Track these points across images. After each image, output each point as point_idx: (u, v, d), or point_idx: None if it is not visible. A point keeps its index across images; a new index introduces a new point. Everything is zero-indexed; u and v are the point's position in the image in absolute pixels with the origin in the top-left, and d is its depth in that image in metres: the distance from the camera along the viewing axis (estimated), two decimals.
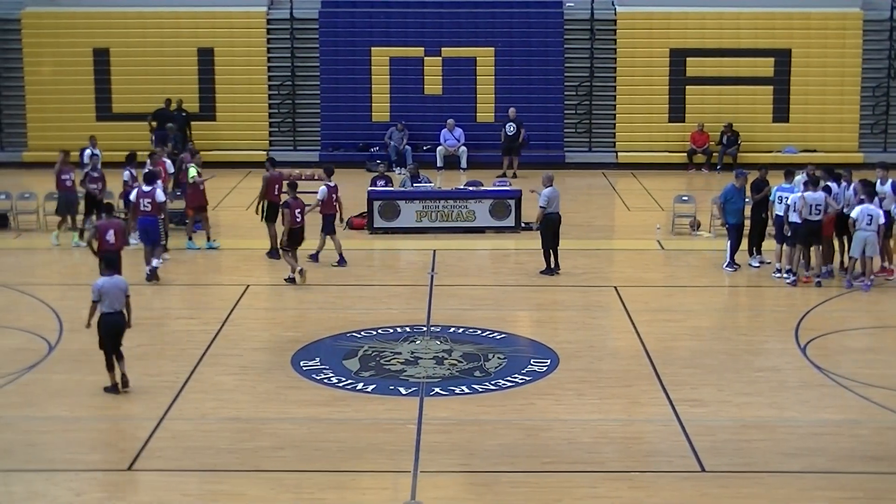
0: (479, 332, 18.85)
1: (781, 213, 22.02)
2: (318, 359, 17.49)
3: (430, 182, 27.14)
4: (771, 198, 22.75)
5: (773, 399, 16.01)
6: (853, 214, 21.29)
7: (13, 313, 19.99)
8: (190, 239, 24.35)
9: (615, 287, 21.61)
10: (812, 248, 21.90)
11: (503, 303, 20.89)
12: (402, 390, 16.24)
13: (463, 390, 16.25)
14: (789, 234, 21.82)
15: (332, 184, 23.15)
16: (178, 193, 26.04)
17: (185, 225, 25.03)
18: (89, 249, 20.00)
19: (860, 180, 22.07)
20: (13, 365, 17.09)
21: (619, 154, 34.85)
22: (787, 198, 21.93)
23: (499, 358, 17.57)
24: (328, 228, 22.92)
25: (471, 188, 26.76)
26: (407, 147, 33.91)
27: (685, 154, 34.51)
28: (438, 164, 33.30)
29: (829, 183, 22.28)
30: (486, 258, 24.60)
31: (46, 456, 14.04)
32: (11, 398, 15.93)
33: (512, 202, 26.02)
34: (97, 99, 34.60)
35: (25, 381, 16.56)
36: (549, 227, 22.17)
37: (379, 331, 18.87)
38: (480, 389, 16.30)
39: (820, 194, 21.66)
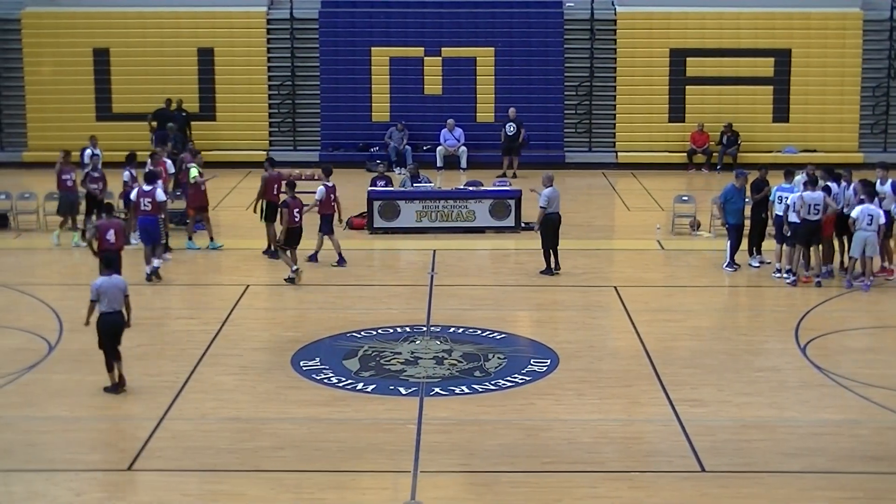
0: (479, 332, 18.85)
1: (781, 213, 22.02)
2: (318, 359, 17.49)
3: (430, 182, 27.14)
4: (771, 198, 22.75)
5: (773, 399, 16.01)
6: (853, 214, 21.30)
7: (13, 313, 19.99)
8: (190, 239, 24.36)
9: (615, 287, 21.61)
10: (812, 248, 21.91)
11: (503, 303, 20.89)
12: (402, 390, 16.24)
13: (463, 390, 16.25)
14: (789, 234, 21.82)
15: (330, 184, 23.16)
16: (178, 193, 26.07)
17: (185, 225, 25.03)
18: (89, 249, 20.01)
19: (860, 180, 22.07)
20: (13, 365, 17.09)
21: (619, 154, 34.85)
22: (786, 198, 21.94)
23: (499, 358, 17.57)
24: (326, 228, 22.93)
25: (471, 188, 26.76)
26: (407, 147, 33.91)
27: (685, 154, 34.51)
28: (438, 164, 33.30)
29: (828, 183, 22.28)
30: (486, 258, 24.60)
31: (46, 456, 14.04)
32: (11, 398, 15.93)
33: (512, 202, 26.02)
34: (97, 99, 34.61)
35: (25, 381, 16.56)
36: (550, 228, 22.17)
37: (379, 331, 18.87)
38: (480, 389, 16.30)
39: (819, 194, 21.66)
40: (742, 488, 13.26)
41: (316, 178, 25.38)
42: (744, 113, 34.57)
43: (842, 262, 22.49)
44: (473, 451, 14.23)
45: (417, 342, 18.28)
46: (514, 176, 31.82)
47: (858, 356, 18.12)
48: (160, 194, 22.17)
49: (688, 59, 34.65)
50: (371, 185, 26.96)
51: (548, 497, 13.02)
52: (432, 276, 22.35)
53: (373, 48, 34.72)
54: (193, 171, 24.42)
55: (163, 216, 22.72)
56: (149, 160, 24.99)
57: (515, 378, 16.71)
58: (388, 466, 13.79)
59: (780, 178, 22.77)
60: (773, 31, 34.65)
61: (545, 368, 17.13)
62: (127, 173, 24.27)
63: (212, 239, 24.29)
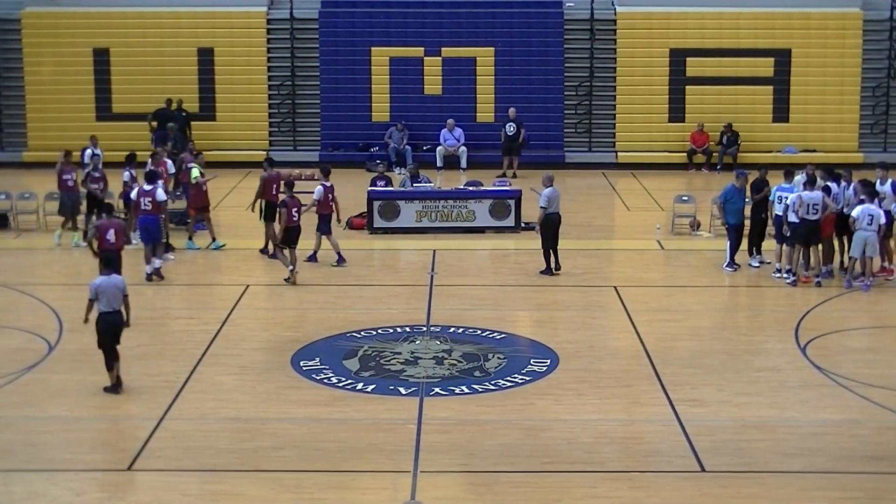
0: (479, 332, 18.85)
1: (781, 213, 22.02)
2: (317, 359, 17.49)
3: (430, 182, 27.15)
4: (771, 198, 22.76)
5: (773, 399, 16.01)
6: (854, 214, 21.29)
7: (13, 313, 19.99)
8: (190, 239, 24.36)
9: (615, 287, 21.61)
10: (811, 248, 21.91)
11: (503, 303, 20.89)
12: (402, 390, 16.24)
13: (463, 390, 16.25)
14: (789, 234, 21.83)
15: (328, 184, 23.18)
16: (178, 193, 26.07)
17: (185, 225, 25.05)
18: (90, 249, 20.00)
19: (860, 180, 22.08)
20: (13, 365, 17.09)
21: (619, 154, 34.85)
22: (786, 198, 21.94)
23: (499, 358, 17.57)
24: (324, 228, 22.94)
25: (471, 188, 26.76)
26: (407, 147, 33.92)
27: (685, 154, 34.51)
28: (438, 164, 33.30)
29: (828, 183, 22.29)
30: (486, 258, 24.60)
31: (46, 456, 14.04)
32: (11, 398, 15.93)
33: (512, 202, 26.02)
34: (97, 99, 34.61)
35: (25, 381, 16.56)
36: (550, 228, 22.16)
37: (379, 331, 18.87)
38: (480, 389, 16.29)
39: (817, 194, 21.67)
40: (742, 488, 13.27)
41: (315, 178, 25.39)
42: (744, 113, 34.57)
43: (842, 262, 22.49)
44: (473, 451, 14.23)
45: (417, 342, 18.28)
46: (514, 176, 31.82)
47: (858, 356, 18.12)
48: (160, 194, 22.17)
49: (688, 59, 34.65)
50: (371, 185, 26.97)
51: (548, 497, 13.02)
52: (432, 276, 22.35)
53: (373, 48, 34.73)
54: (195, 172, 24.43)
55: (163, 216, 22.72)
56: (149, 160, 25.01)
57: (515, 378, 16.71)
58: (388, 466, 13.79)
59: (780, 178, 22.78)
60: (772, 31, 34.65)
61: (545, 368, 17.13)
62: (127, 173, 24.26)
63: (214, 239, 24.29)
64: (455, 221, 25.93)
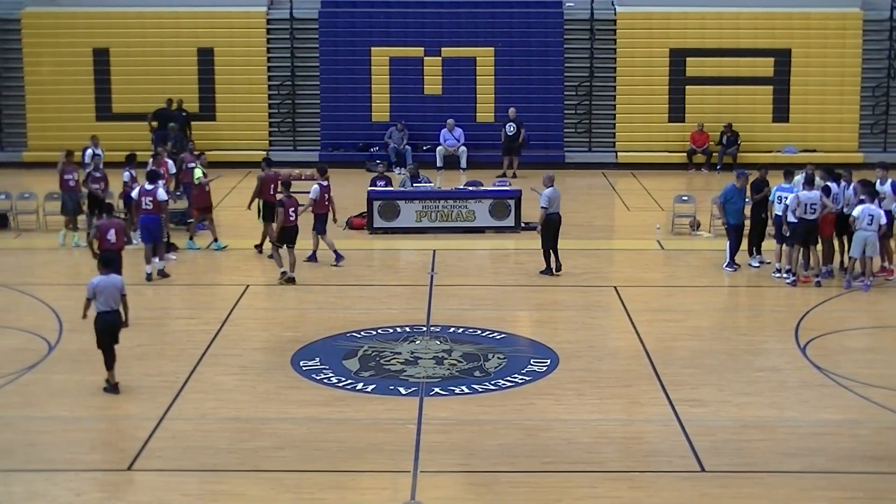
0: (479, 332, 18.85)
1: (781, 213, 22.02)
2: (317, 359, 17.49)
3: (430, 182, 27.15)
4: (770, 198, 22.76)
5: (773, 399, 16.01)
6: (854, 213, 21.29)
7: (13, 313, 19.99)
8: (191, 239, 24.37)
9: (615, 287, 21.61)
10: (810, 248, 21.90)
11: (503, 303, 20.89)
12: (402, 390, 16.24)
13: (463, 390, 16.25)
14: (788, 234, 21.83)
15: (324, 183, 23.21)
16: (178, 193, 26.07)
17: (185, 225, 25.06)
18: (90, 250, 20.00)
19: (860, 181, 22.08)
20: (13, 365, 17.09)
21: (619, 154, 34.86)
22: (786, 198, 21.94)
23: (499, 358, 17.56)
24: (320, 228, 22.96)
25: (471, 188, 26.76)
26: (407, 147, 33.92)
27: (685, 154, 34.52)
28: (438, 164, 33.30)
29: (828, 183, 22.29)
30: (486, 258, 24.60)
31: (46, 456, 14.04)
32: (11, 398, 15.93)
33: (512, 202, 26.02)
34: (97, 99, 34.63)
35: (25, 381, 16.57)
36: (550, 228, 22.16)
37: (379, 331, 18.87)
38: (480, 389, 16.29)
39: (815, 193, 21.67)
40: (742, 488, 13.27)
41: (315, 178, 25.40)
42: (744, 113, 34.57)
43: (842, 262, 22.49)
44: (473, 451, 14.23)
45: (417, 342, 18.28)
46: (514, 176, 31.83)
47: (858, 356, 18.12)
48: (162, 193, 22.17)
49: (688, 59, 34.65)
50: (371, 185, 26.97)
51: (548, 497, 13.02)
52: (432, 276, 22.35)
53: (373, 48, 34.73)
54: (197, 172, 24.44)
55: (163, 216, 22.72)
56: (150, 160, 25.02)
57: (515, 378, 16.71)
58: (388, 466, 13.79)
59: (780, 178, 22.78)
60: (772, 31, 34.66)
61: (545, 368, 17.13)
62: (127, 174, 24.27)
63: (216, 239, 24.28)
64: (455, 221, 25.93)
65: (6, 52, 35.09)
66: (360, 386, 16.37)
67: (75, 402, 15.72)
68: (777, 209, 22.34)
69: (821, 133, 34.57)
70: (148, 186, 22.11)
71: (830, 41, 34.62)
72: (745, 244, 22.99)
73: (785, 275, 21.95)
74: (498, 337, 18.60)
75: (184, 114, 33.45)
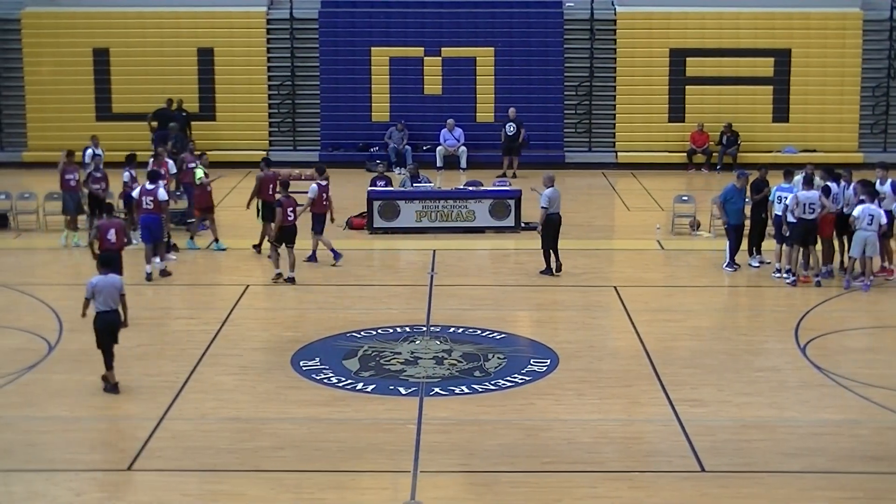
0: (479, 332, 18.85)
1: (780, 213, 22.03)
2: (317, 359, 17.49)
3: (430, 182, 27.15)
4: (770, 198, 22.76)
5: (773, 399, 16.01)
6: (855, 213, 21.29)
7: (13, 313, 19.99)
8: (192, 238, 24.37)
9: (615, 287, 21.61)
10: (810, 247, 21.89)
11: (503, 303, 20.89)
12: (402, 390, 16.24)
13: (463, 390, 16.25)
14: (788, 234, 21.83)
15: (323, 182, 23.22)
16: (178, 193, 26.07)
17: (185, 225, 25.07)
18: (90, 250, 19.99)
19: (860, 181, 22.07)
20: (13, 365, 17.09)
21: (619, 154, 34.86)
22: (786, 198, 21.95)
23: (499, 358, 17.56)
24: (317, 228, 22.96)
25: (471, 188, 26.76)
26: (407, 147, 33.92)
27: (685, 154, 34.52)
28: (438, 164, 33.30)
29: (828, 183, 22.29)
30: (486, 258, 24.60)
31: (46, 456, 14.04)
32: (11, 398, 15.93)
33: (512, 202, 26.02)
34: (97, 99, 34.63)
35: (25, 381, 16.57)
36: (550, 228, 22.16)
37: (379, 331, 18.87)
38: (480, 389, 16.29)
39: (813, 193, 21.67)
40: (742, 488, 13.27)
41: (314, 178, 25.41)
42: (744, 113, 34.58)
43: (842, 262, 22.49)
44: (473, 451, 14.23)
45: (417, 342, 18.28)
46: (514, 176, 31.83)
47: (858, 356, 18.12)
48: (162, 193, 22.17)
49: (688, 59, 34.66)
50: (371, 185, 26.97)
51: (548, 497, 13.03)
52: (432, 276, 22.35)
53: (373, 48, 34.73)
54: (199, 173, 24.45)
55: (164, 216, 22.71)
56: (150, 160, 25.03)
57: (515, 378, 16.71)
58: (388, 466, 13.79)
59: (780, 178, 22.78)
60: (772, 31, 34.66)
61: (545, 368, 17.13)
62: (127, 174, 24.28)
63: (216, 240, 24.29)
64: (455, 221, 25.93)
65: (6, 52, 35.09)
66: (360, 386, 16.37)
67: (75, 402, 15.72)
68: (777, 209, 22.34)
69: (821, 133, 34.57)
70: (149, 186, 22.12)
71: (830, 41, 34.62)
72: (745, 244, 22.98)
73: (785, 275, 21.96)
74: (498, 337, 18.60)
75: (184, 114, 33.45)
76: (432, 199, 26.05)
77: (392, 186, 27.31)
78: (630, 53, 34.90)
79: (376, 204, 25.93)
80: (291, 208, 21.87)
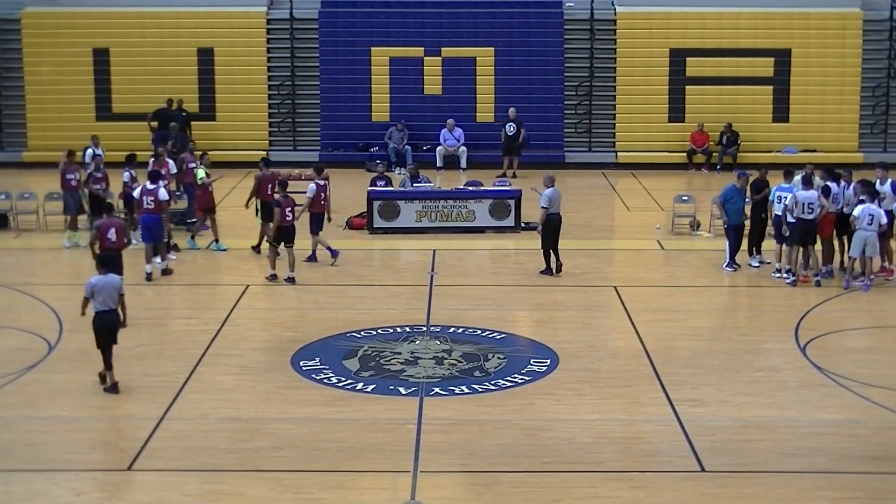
0: (479, 332, 18.85)
1: (780, 213, 22.03)
2: (317, 359, 17.49)
3: (430, 182, 27.15)
4: (770, 198, 22.76)
5: (773, 399, 16.01)
6: (855, 213, 21.29)
7: (13, 313, 19.99)
8: (193, 238, 24.37)
9: (615, 287, 21.61)
10: (809, 247, 21.89)
11: (503, 303, 20.89)
12: (402, 390, 16.24)
13: (463, 390, 16.25)
14: (787, 234, 21.83)
15: (321, 182, 23.23)
16: (179, 193, 26.07)
17: (184, 224, 25.07)
18: (90, 251, 19.99)
19: (860, 181, 22.07)
20: (13, 365, 17.09)
21: (619, 154, 34.86)
22: (786, 198, 21.95)
23: (499, 358, 17.56)
24: (314, 228, 22.96)
25: (471, 188, 26.76)
26: (407, 147, 33.93)
27: (685, 154, 34.52)
28: (438, 164, 33.31)
29: (828, 183, 22.29)
30: (486, 258, 24.60)
31: (46, 456, 14.04)
32: (11, 398, 15.93)
33: (512, 202, 26.02)
34: (97, 99, 34.64)
35: (25, 381, 16.57)
36: (550, 228, 22.16)
37: (379, 331, 18.87)
38: (480, 389, 16.29)
39: (812, 193, 21.67)
40: (742, 488, 13.26)
41: (311, 178, 25.44)
42: (744, 113, 34.58)
43: (842, 262, 22.49)
44: (473, 451, 14.23)
45: (417, 342, 18.28)
46: (514, 176, 31.83)
47: (858, 356, 18.12)
48: (163, 193, 22.18)
49: (688, 59, 34.66)
50: (371, 185, 26.97)
51: (548, 497, 13.02)
52: (432, 276, 22.35)
53: (373, 48, 34.74)
54: (201, 173, 24.46)
55: (164, 216, 22.72)
56: (150, 160, 25.04)
57: (515, 378, 16.71)
58: (388, 466, 13.79)
59: (780, 178, 22.78)
60: (772, 31, 34.67)
61: (545, 368, 17.13)
62: (127, 174, 24.28)
63: (217, 240, 24.29)
64: (455, 221, 25.93)
65: (6, 52, 35.10)
66: (360, 386, 16.37)
67: (75, 402, 15.72)
68: (777, 209, 22.35)
69: (821, 133, 34.58)
70: (150, 186, 22.13)
71: (830, 41, 34.63)
72: (745, 244, 22.98)
73: (785, 275, 21.96)
74: (498, 337, 18.60)
75: (184, 114, 33.45)
76: (432, 199, 26.05)
77: (392, 186, 27.32)
78: (630, 53, 34.91)
79: (376, 204, 25.93)
80: (290, 208, 21.87)
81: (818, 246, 22.19)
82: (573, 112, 35.11)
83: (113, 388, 15.95)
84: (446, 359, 17.50)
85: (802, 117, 34.67)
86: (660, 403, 15.81)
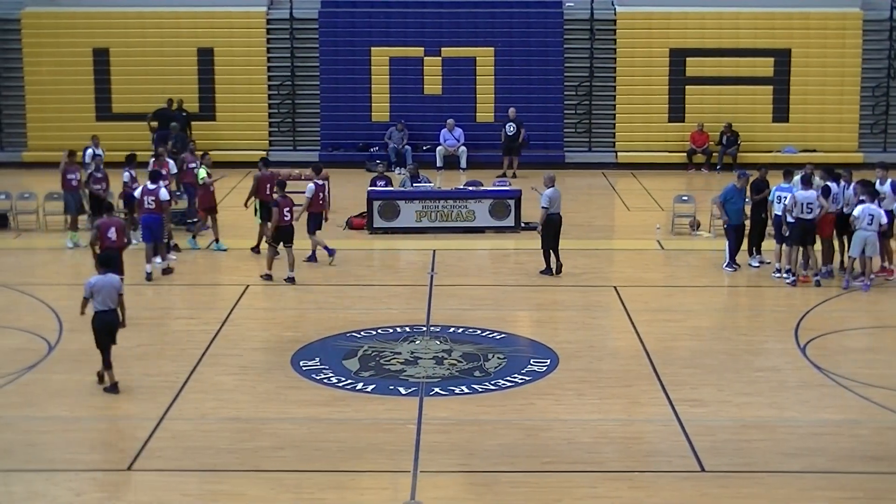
0: (479, 332, 18.85)
1: (780, 213, 22.03)
2: (317, 359, 17.49)
3: (430, 182, 27.15)
4: (770, 198, 22.77)
5: (773, 399, 16.01)
6: (855, 213, 21.29)
7: (13, 313, 19.99)
8: (194, 237, 24.38)
9: (615, 287, 21.61)
10: (809, 247, 21.89)
11: (503, 303, 20.89)
12: (402, 390, 16.24)
13: (463, 390, 16.25)
14: (787, 234, 21.84)
15: (320, 181, 23.23)
16: (179, 193, 26.07)
17: (184, 224, 25.07)
18: (91, 251, 20.00)
19: (860, 181, 22.07)
20: (13, 365, 17.09)
21: (619, 154, 34.87)
22: (785, 197, 21.96)
23: (499, 358, 17.56)
24: (311, 227, 22.97)
25: (471, 188, 26.77)
26: (407, 147, 33.93)
27: (685, 154, 34.52)
28: (438, 164, 33.31)
29: (828, 182, 22.29)
30: (486, 258, 24.60)
31: (46, 456, 14.04)
32: (11, 398, 15.93)
33: (512, 202, 26.02)
34: (97, 99, 34.64)
35: (25, 381, 16.57)
36: (551, 228, 22.16)
37: (379, 331, 18.87)
38: (480, 389, 16.29)
39: (811, 193, 21.67)
40: (742, 488, 13.27)
41: (304, 178, 25.45)
42: (743, 113, 34.58)
43: (842, 262, 22.49)
44: (473, 451, 14.23)
45: (417, 342, 18.28)
46: (514, 176, 31.83)
47: (858, 356, 18.12)
48: (164, 193, 22.19)
49: (687, 59, 34.66)
50: (371, 185, 26.97)
51: (548, 497, 13.03)
52: (432, 276, 22.35)
53: (373, 48, 34.74)
54: (202, 173, 24.46)
55: (165, 216, 22.72)
56: (151, 160, 25.05)
57: (515, 378, 16.71)
58: (388, 466, 13.79)
59: (780, 178, 22.78)
60: (772, 31, 34.67)
61: (545, 368, 17.13)
62: (127, 174, 24.29)
63: (217, 240, 24.30)
64: (455, 221, 25.93)
65: (6, 52, 35.10)
66: (360, 386, 16.37)
67: (75, 402, 15.72)
68: (777, 209, 22.36)
69: (821, 133, 34.58)
70: (151, 186, 22.14)
71: (830, 41, 34.63)
72: (745, 244, 22.97)
73: (785, 275, 21.96)
74: (498, 337, 18.60)
75: (184, 114, 33.45)
76: (432, 199, 26.05)
77: (392, 186, 27.32)
78: (630, 53, 34.91)
79: (376, 204, 25.93)
80: (288, 208, 21.88)
81: (818, 246, 22.19)
82: (573, 112, 35.11)
83: (113, 388, 15.95)
84: (446, 359, 17.50)
85: (802, 117, 34.67)
86: (660, 403, 15.81)
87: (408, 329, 18.94)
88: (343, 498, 13.10)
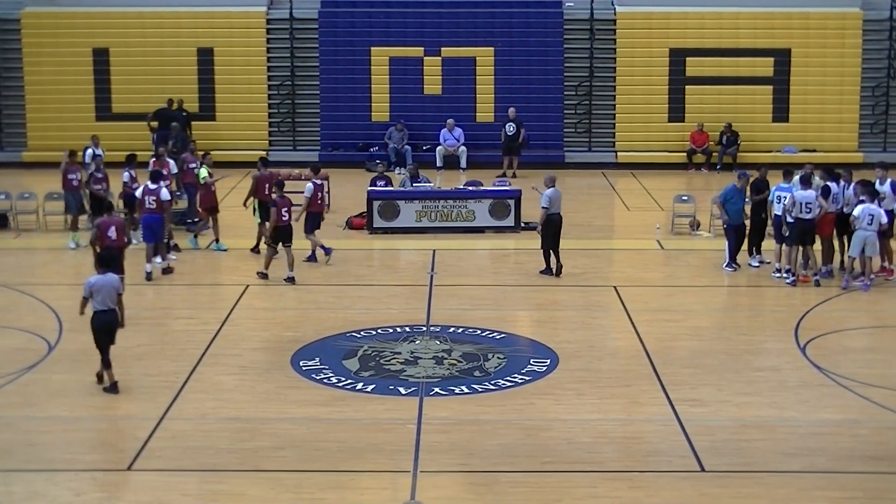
0: (479, 332, 18.85)
1: (780, 213, 22.04)
2: (317, 359, 17.49)
3: (430, 182, 27.16)
4: (770, 198, 22.77)
5: (773, 399, 16.01)
6: (855, 213, 21.29)
7: (13, 313, 20.00)
8: (195, 237, 24.37)
9: (615, 287, 21.61)
10: (809, 247, 21.88)
11: (503, 303, 20.89)
12: (402, 390, 16.24)
13: (462, 390, 16.25)
14: (787, 234, 21.84)
15: (318, 181, 23.24)
16: (179, 193, 26.07)
17: (184, 224, 25.08)
18: (91, 251, 19.99)
19: (859, 181, 22.07)
20: (13, 365, 17.09)
21: (619, 154, 34.87)
22: (785, 197, 21.96)
23: (498, 358, 17.57)
24: (308, 227, 22.97)
25: (470, 188, 26.77)
26: (407, 147, 33.93)
27: (685, 154, 34.52)
28: (438, 164, 33.31)
29: (828, 182, 22.29)
30: (486, 258, 24.60)
31: (46, 456, 14.04)
32: (11, 398, 15.93)
33: (512, 202, 26.02)
34: (97, 99, 34.64)
35: (25, 381, 16.57)
36: (551, 228, 22.16)
37: (379, 331, 18.87)
38: (480, 389, 16.30)
39: (810, 192, 21.67)
40: (742, 488, 13.27)
41: (303, 178, 25.44)
42: (743, 113, 34.59)
43: (842, 262, 22.49)
44: (473, 450, 14.23)
45: (417, 342, 18.28)
46: (514, 176, 31.83)
47: (858, 356, 18.13)
48: (165, 193, 22.19)
49: (687, 58, 34.67)
50: (371, 185, 26.97)
51: (548, 497, 13.03)
52: (432, 276, 22.36)
53: (372, 48, 34.74)
54: (203, 172, 24.46)
55: (165, 216, 22.72)
56: (151, 160, 25.05)
57: (515, 378, 16.72)
58: (388, 466, 13.79)
59: (780, 178, 22.78)
60: (772, 30, 34.67)
61: (545, 368, 17.13)
62: (126, 174, 24.29)
63: (217, 240, 24.30)
64: (455, 221, 25.93)
65: (6, 52, 35.10)
66: (359, 386, 16.37)
67: (75, 402, 15.72)
68: (776, 209, 22.36)
69: (821, 133, 34.59)
70: (151, 186, 22.15)
71: (830, 41, 34.63)
72: (745, 244, 22.97)
73: (785, 275, 21.96)
74: (498, 337, 18.60)
75: (184, 114, 33.44)
76: (432, 199, 26.05)
77: (392, 186, 27.32)
78: (630, 53, 34.91)
79: (376, 204, 25.94)
80: (286, 208, 21.88)
81: (818, 246, 22.19)
82: (573, 112, 35.11)
83: (112, 388, 15.95)
84: (446, 359, 17.50)
85: (802, 117, 34.68)
86: (660, 403, 15.81)
87: (408, 329, 18.95)
88: (343, 498, 13.11)
